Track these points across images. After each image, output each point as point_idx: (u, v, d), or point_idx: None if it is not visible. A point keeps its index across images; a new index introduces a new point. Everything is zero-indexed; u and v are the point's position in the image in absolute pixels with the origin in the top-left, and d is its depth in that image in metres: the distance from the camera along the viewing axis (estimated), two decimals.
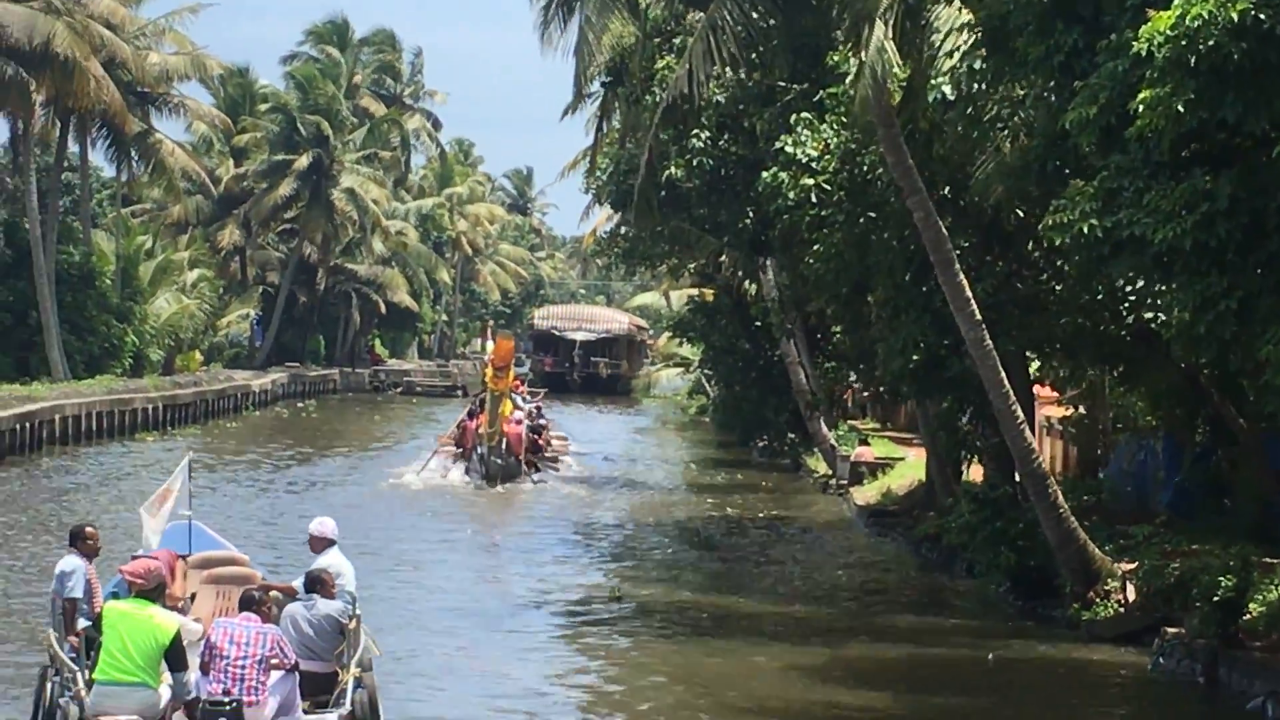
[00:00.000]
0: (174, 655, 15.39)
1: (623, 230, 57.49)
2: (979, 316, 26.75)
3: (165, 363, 76.08)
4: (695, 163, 37.23)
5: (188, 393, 68.96)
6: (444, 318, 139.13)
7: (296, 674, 16.10)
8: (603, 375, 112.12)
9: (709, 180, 37.69)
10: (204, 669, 15.67)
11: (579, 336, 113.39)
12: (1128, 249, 19.57)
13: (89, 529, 17.75)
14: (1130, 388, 34.43)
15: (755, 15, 28.04)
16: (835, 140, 30.83)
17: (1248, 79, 18.31)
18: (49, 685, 16.41)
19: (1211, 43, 17.89)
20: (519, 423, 49.10)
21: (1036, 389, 35.22)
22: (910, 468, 44.41)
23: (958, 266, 26.89)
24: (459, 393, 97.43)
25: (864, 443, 48.93)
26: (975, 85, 24.20)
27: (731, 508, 44.20)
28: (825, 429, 50.97)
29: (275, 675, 15.83)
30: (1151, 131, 18.48)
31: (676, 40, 36.96)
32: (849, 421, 59.47)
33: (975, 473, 35.84)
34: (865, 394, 65.55)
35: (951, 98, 25.40)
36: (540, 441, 52.16)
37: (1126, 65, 19.08)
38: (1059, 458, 39.79)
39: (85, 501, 39.65)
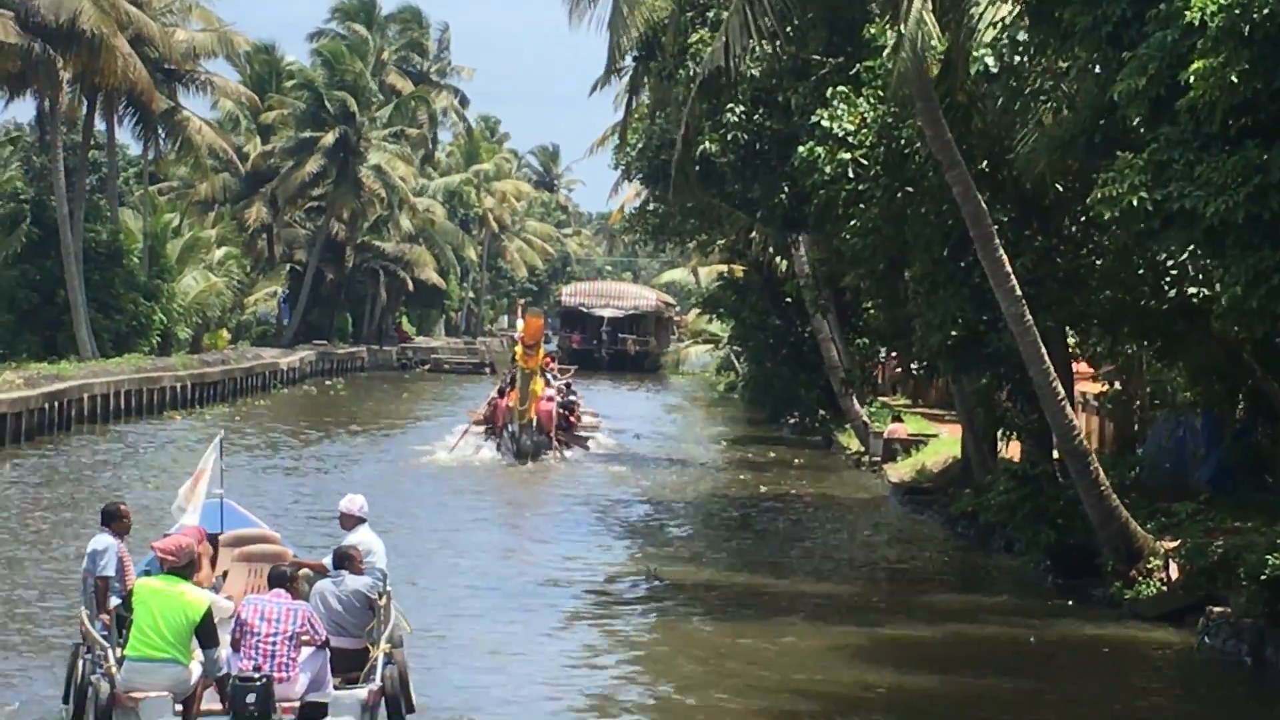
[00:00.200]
0: (205, 632, 15.51)
1: (651, 206, 57.17)
2: (1019, 292, 26.40)
3: (193, 341, 76.00)
4: (730, 137, 36.86)
5: (216, 371, 68.86)
6: (471, 295, 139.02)
7: (327, 650, 16.23)
8: (631, 352, 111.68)
9: (743, 155, 37.31)
10: (235, 646, 15.84)
11: (607, 313, 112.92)
12: (1178, 222, 19.23)
13: (121, 507, 17.82)
14: (1169, 363, 34.03)
15: None
16: (872, 114, 30.45)
17: None
18: (81, 662, 16.50)
19: (1266, 11, 17.53)
20: (550, 400, 48.89)
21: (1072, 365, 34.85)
22: (944, 444, 44.05)
23: (997, 241, 26.52)
24: (486, 370, 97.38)
25: (897, 419, 48.56)
26: (1018, 57, 23.83)
27: (763, 484, 43.90)
28: (857, 405, 50.65)
29: (306, 652, 15.98)
30: (1203, 103, 18.12)
31: (710, 14, 36.63)
32: (880, 398, 59.14)
33: (1010, 450, 35.50)
34: (896, 370, 65.23)
35: (995, 70, 25.03)
36: (571, 419, 51.94)
37: (1177, 35, 18.73)
38: (1094, 434, 39.37)
39: (114, 480, 39.55)
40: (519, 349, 47.32)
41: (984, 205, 26.68)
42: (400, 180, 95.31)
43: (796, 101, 34.72)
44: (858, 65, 31.65)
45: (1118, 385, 38.02)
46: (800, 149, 31.30)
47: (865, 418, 49.95)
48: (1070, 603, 26.89)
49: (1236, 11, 17.66)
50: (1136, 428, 37.97)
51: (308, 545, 24.69)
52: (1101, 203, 20.19)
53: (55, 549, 29.43)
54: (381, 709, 16.49)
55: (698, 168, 35.67)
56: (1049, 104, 24.25)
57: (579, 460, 48.65)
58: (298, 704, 15.84)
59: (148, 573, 16.70)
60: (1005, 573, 30.28)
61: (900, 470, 43.45)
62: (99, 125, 70.74)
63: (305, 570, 17.88)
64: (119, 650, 15.79)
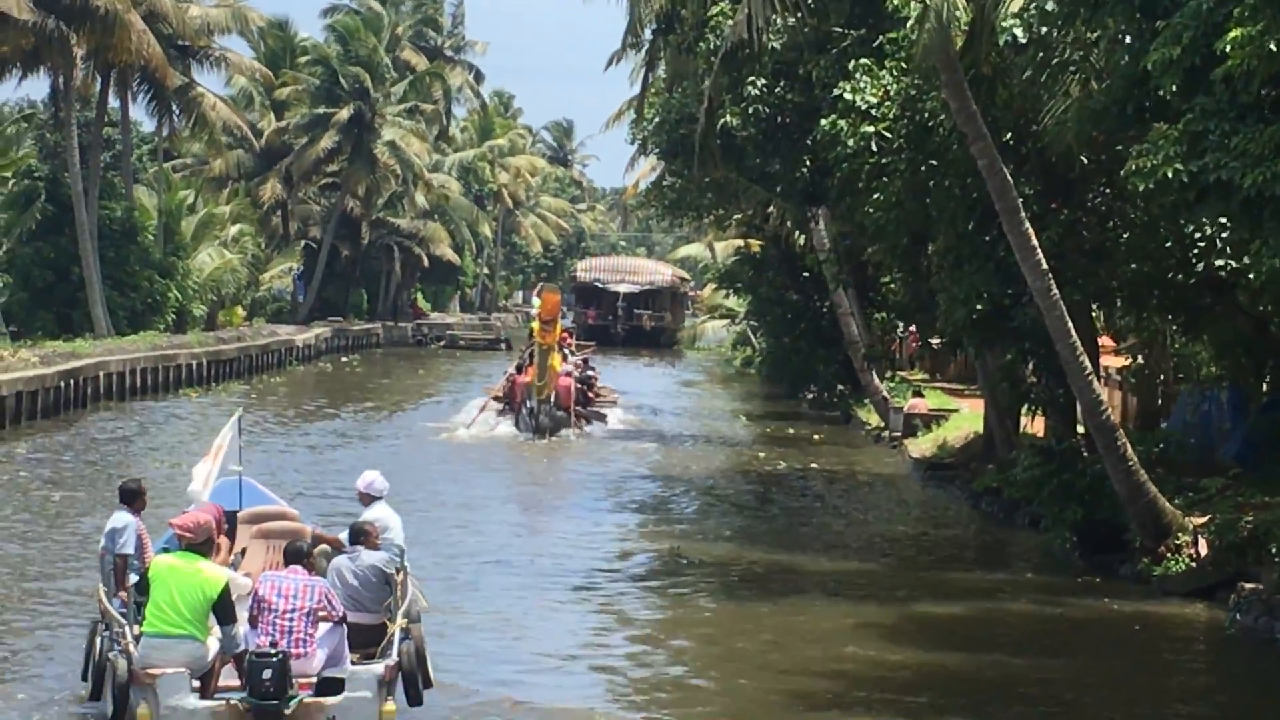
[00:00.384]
0: (222, 608, 15.55)
1: (667, 181, 56.84)
2: (1045, 266, 26.11)
3: (208, 318, 75.87)
4: (751, 111, 36.55)
5: (231, 348, 68.73)
6: (486, 271, 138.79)
7: (344, 626, 16.19)
8: (646, 328, 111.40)
9: (765, 129, 36.99)
10: (252, 622, 15.82)
11: (622, 289, 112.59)
12: (1214, 194, 18.92)
13: (139, 485, 17.88)
14: (1193, 337, 33.74)
15: None
16: (895, 86, 30.12)
17: None
18: (99, 640, 16.58)
19: None
20: (568, 375, 48.71)
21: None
22: (965, 419, 43.79)
23: (1023, 214, 26.23)
24: (502, 346, 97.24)
25: (918, 394, 48.31)
26: (1046, 28, 23.50)
27: (784, 460, 43.66)
28: (877, 380, 50.38)
29: (323, 627, 15.95)
30: (1240, 72, 17.80)
31: None
32: (898, 373, 58.90)
33: (1033, 425, 35.26)
34: (914, 345, 64.94)
35: (1023, 40, 24.70)
36: (590, 393, 51.75)
37: (1212, 3, 18.40)
38: (1117, 409, 39.01)
39: (131, 458, 39.36)
40: (536, 325, 47.14)
41: (1009, 178, 26.39)
42: (415, 156, 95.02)
43: (818, 74, 34.41)
44: (880, 37, 31.34)
45: (1140, 359, 37.74)
46: (823, 122, 31.00)
47: (885, 393, 49.67)
48: (1098, 579, 26.62)
49: None
50: (1160, 402, 37.69)
51: (326, 522, 24.43)
52: (1136, 174, 19.87)
53: (72, 527, 29.24)
54: (399, 684, 16.38)
55: (718, 141, 35.37)
56: (1078, 75, 23.90)
57: (597, 436, 48.47)
58: (315, 679, 15.84)
59: (166, 550, 16.68)
60: (1031, 549, 30.03)
61: (921, 445, 43.19)
62: (113, 102, 70.55)
63: (323, 546, 17.91)
64: (136, 627, 15.84)
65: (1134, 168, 19.99)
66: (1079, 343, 26.54)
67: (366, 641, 16.79)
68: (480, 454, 43.22)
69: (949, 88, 26.46)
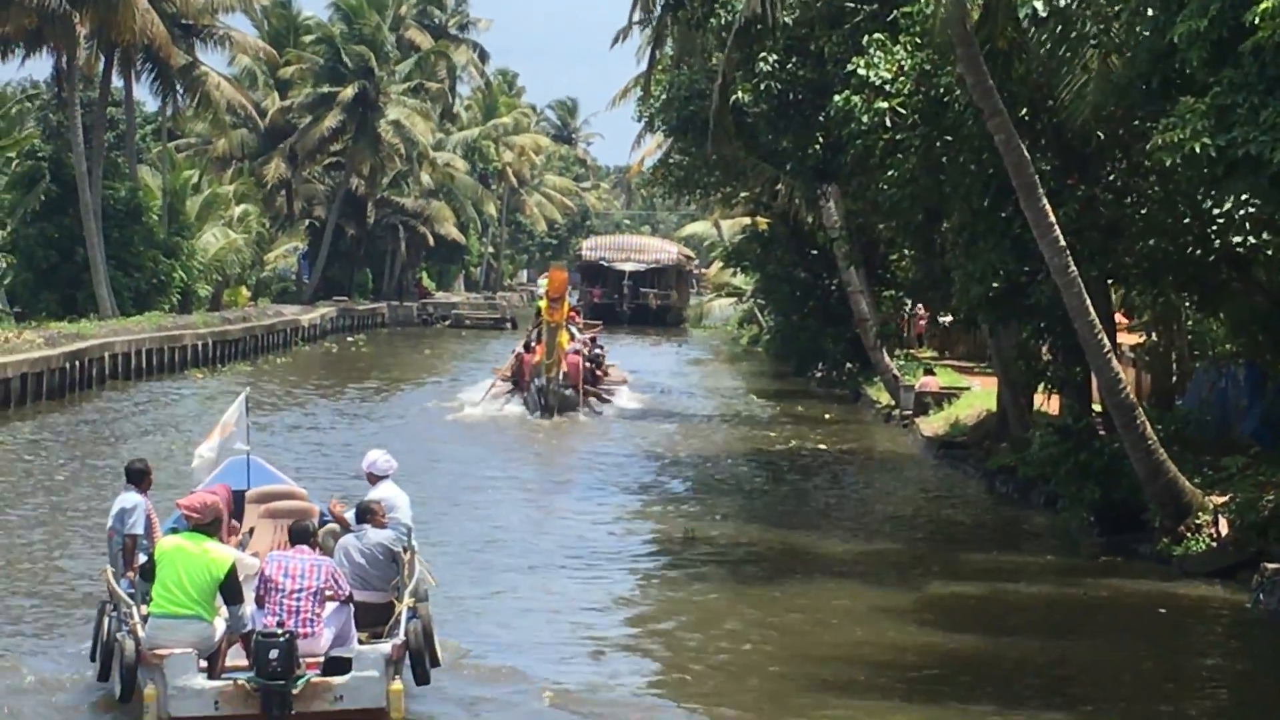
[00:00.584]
0: (229, 588, 15.60)
1: (674, 158, 56.57)
2: (1063, 242, 25.78)
3: (213, 299, 75.66)
4: (763, 87, 36.20)
5: (237, 328, 68.55)
6: (490, 250, 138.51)
7: (351, 605, 16.19)
8: (652, 306, 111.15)
9: (776, 105, 36.67)
10: (259, 602, 15.87)
11: (628, 267, 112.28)
12: (1242, 169, 18.58)
13: (146, 464, 17.87)
14: (1209, 314, 33.42)
15: None
16: (909, 62, 29.73)
17: None
18: (107, 620, 16.68)
19: None
20: (576, 353, 48.47)
21: None
22: (977, 398, 43.45)
23: (1041, 191, 25.89)
24: (507, 325, 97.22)
25: (929, 372, 47.96)
26: (1065, 1, 23.16)
27: (795, 439, 43.40)
28: (888, 359, 50.11)
29: (330, 607, 15.94)
30: (1270, 44, 17.47)
31: None
32: (907, 351, 58.64)
33: (1048, 404, 34.94)
34: (922, 322, 64.71)
35: (1044, 13, 24.35)
36: (599, 373, 51.49)
37: None
38: (1132, 386, 38.65)
39: (137, 439, 39.11)
40: (544, 303, 46.90)
41: (1026, 154, 26.05)
42: (420, 135, 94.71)
43: (830, 50, 34.09)
44: (894, 11, 30.97)
45: (1154, 336, 37.43)
46: (836, 98, 30.63)
47: (895, 371, 49.38)
48: (1117, 559, 26.32)
49: None
50: (1175, 379, 37.39)
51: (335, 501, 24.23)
52: (1162, 149, 19.53)
53: (78, 508, 29.09)
54: (406, 663, 16.35)
55: (729, 117, 35.04)
56: (1098, 48, 23.55)
57: (607, 415, 48.22)
58: (322, 659, 15.85)
59: (174, 530, 16.62)
60: (1047, 529, 29.70)
61: (933, 424, 42.85)
62: (116, 82, 70.23)
63: (331, 525, 17.97)
64: (144, 608, 15.88)
65: (1160, 142, 19.65)
66: (1097, 320, 26.22)
67: (374, 620, 16.75)
68: (488, 433, 42.99)
69: (965, 62, 26.10)
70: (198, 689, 15.34)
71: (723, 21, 34.41)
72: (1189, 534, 25.55)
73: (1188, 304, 33.28)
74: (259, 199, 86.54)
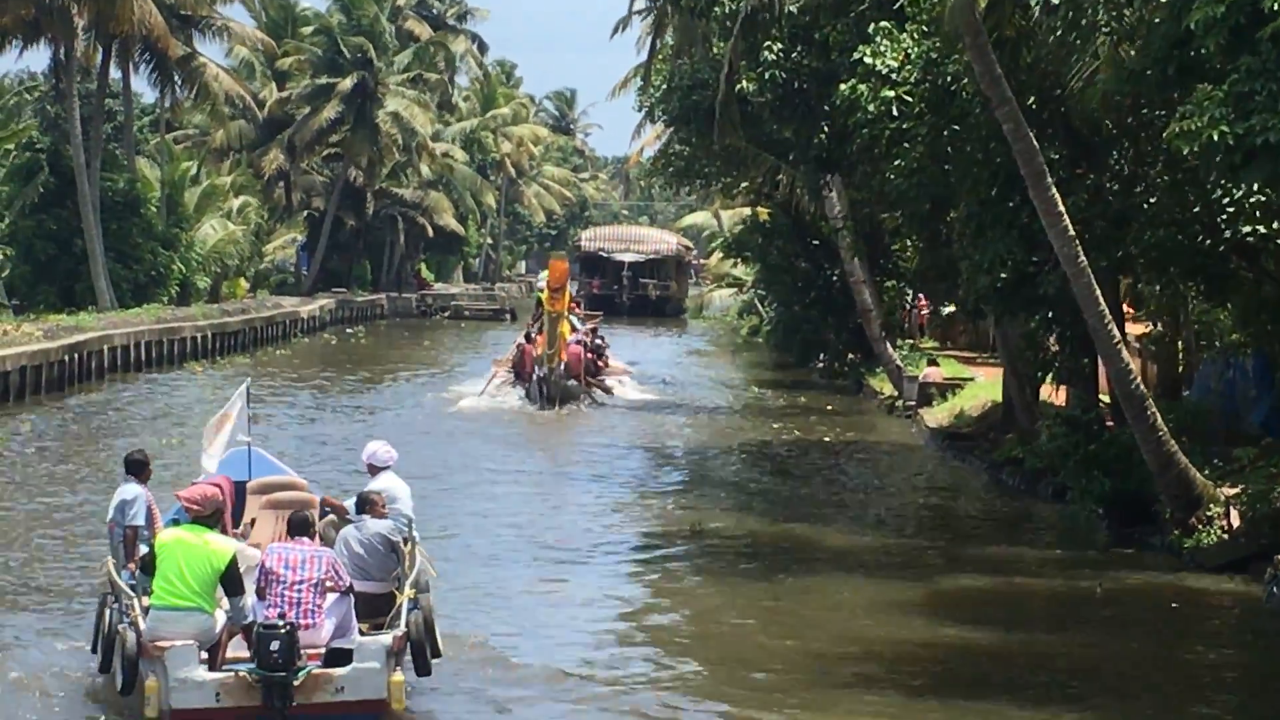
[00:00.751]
0: (230, 580, 15.61)
1: (674, 148, 56.28)
2: (1072, 232, 25.54)
3: (211, 290, 75.43)
4: (768, 76, 35.95)
5: (236, 321, 68.29)
6: (489, 241, 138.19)
7: (352, 596, 16.15)
8: (652, 297, 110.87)
9: (781, 94, 36.42)
10: (260, 594, 15.85)
11: (627, 258, 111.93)
12: (1261, 157, 18.32)
13: (145, 455, 17.84)
14: (1216, 303, 33.17)
15: None
16: (916, 50, 29.51)
17: None
18: (108, 612, 16.67)
19: None
20: (578, 344, 48.26)
21: None
22: (981, 388, 43.22)
23: (1050, 180, 25.64)
24: (506, 316, 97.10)
25: (932, 363, 47.72)
26: None
27: (798, 430, 43.17)
28: (891, 349, 49.88)
29: (331, 598, 15.90)
30: None
31: None
32: (909, 341, 58.44)
33: (1056, 395, 34.69)
34: (923, 313, 64.50)
35: (1055, 0, 24.10)
36: (600, 363, 51.27)
37: None
38: (1137, 376, 38.47)
39: (137, 432, 38.87)
40: (545, 293, 46.70)
41: (1035, 143, 25.80)
42: (419, 126, 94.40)
43: (835, 38, 33.85)
44: (900, 0, 30.72)
45: (1160, 326, 37.19)
46: (842, 87, 30.41)
47: (898, 361, 49.15)
48: (1128, 552, 26.10)
49: None
50: (1181, 370, 37.17)
51: (334, 494, 24.03)
52: (1180, 137, 19.26)
53: (78, 500, 28.97)
54: (407, 654, 16.29)
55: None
56: (1110, 35, 23.29)
57: (608, 407, 48.00)
58: (323, 650, 15.81)
59: (175, 522, 16.66)
60: (1056, 521, 29.49)
61: (937, 415, 42.63)
62: (114, 73, 69.94)
63: (331, 517, 18.07)
64: (145, 599, 15.90)
65: (1178, 130, 19.37)
66: (1107, 311, 25.99)
67: (374, 611, 16.75)
68: (490, 425, 42.77)
69: (974, 50, 25.84)
70: (199, 681, 15.32)
71: (727, 10, 34.16)
72: (1200, 526, 25.33)
73: (1194, 294, 33.02)
74: (257, 190, 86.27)
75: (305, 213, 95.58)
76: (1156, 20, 21.07)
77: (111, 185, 66.08)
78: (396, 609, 16.63)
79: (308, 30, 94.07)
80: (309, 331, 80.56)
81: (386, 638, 15.98)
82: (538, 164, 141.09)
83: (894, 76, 29.58)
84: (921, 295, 60.82)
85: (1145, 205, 28.04)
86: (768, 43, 35.32)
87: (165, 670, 15.30)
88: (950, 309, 56.42)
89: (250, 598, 15.87)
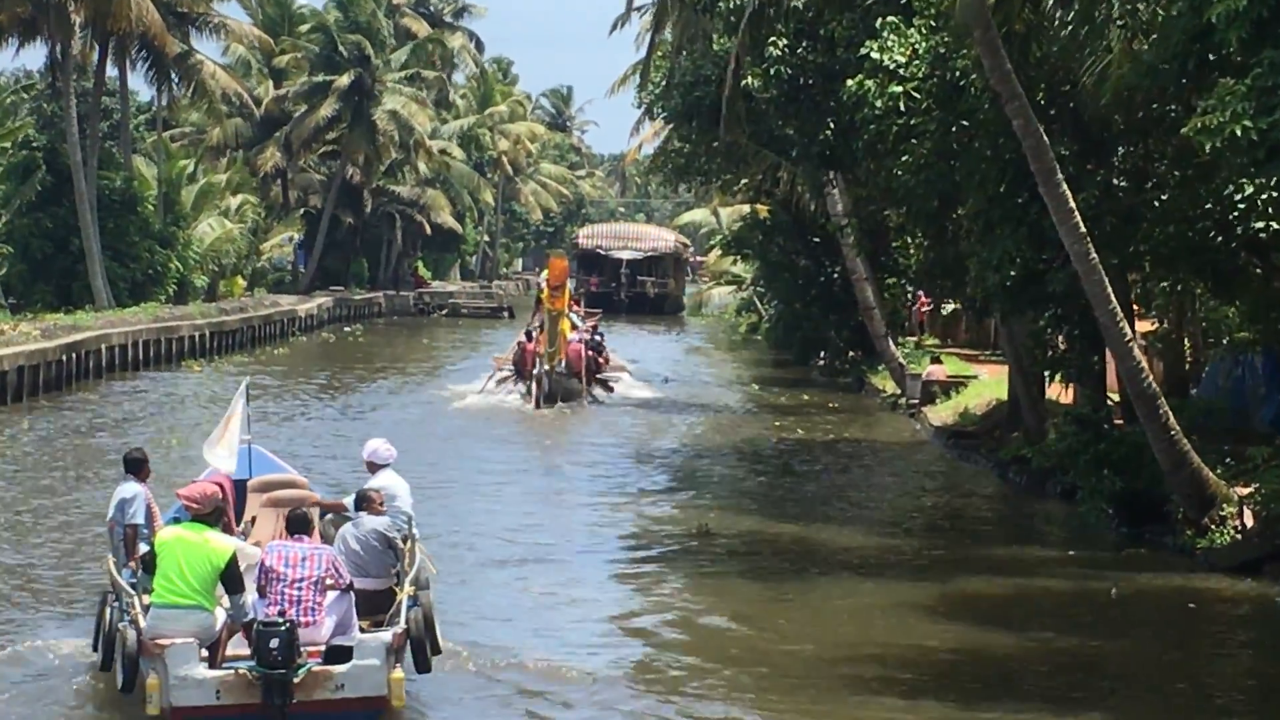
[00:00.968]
0: (230, 578, 15.64)
1: (675, 145, 56.02)
2: (1083, 229, 25.24)
3: (209, 289, 75.15)
4: (773, 72, 35.66)
5: (234, 319, 68.05)
6: (486, 239, 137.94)
7: (351, 594, 16.22)
8: (650, 294, 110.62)
9: (786, 90, 36.13)
10: (260, 592, 15.91)
11: (625, 255, 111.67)
12: None
13: (144, 454, 17.88)
14: (1224, 301, 32.92)
15: None
16: (924, 45, 29.20)
17: None
18: (108, 610, 16.72)
19: None
20: (579, 342, 48.04)
21: None
22: (985, 386, 42.93)
23: (1060, 176, 25.34)
24: (504, 314, 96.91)
25: (936, 361, 47.43)
26: None
27: (801, 429, 42.89)
28: (893, 347, 49.63)
29: (331, 595, 15.96)
30: None
31: None
32: (910, 338, 58.22)
33: (1066, 394, 34.42)
34: (924, 310, 64.26)
35: None
36: (601, 361, 51.02)
37: None
38: (1149, 375, 38.17)
39: (136, 431, 38.64)
40: (545, 292, 46.50)
41: (1045, 139, 25.50)
42: (416, 124, 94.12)
43: (841, 33, 33.56)
44: None
45: (1166, 324, 36.94)
46: (849, 83, 30.09)
47: (901, 359, 48.88)
48: (1140, 552, 25.80)
49: None
50: (1188, 367, 36.92)
51: (334, 492, 23.85)
52: (1201, 133, 18.99)
53: (77, 499, 28.80)
54: (407, 651, 16.25)
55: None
56: (1124, 29, 22.99)
57: (609, 405, 47.77)
58: (323, 647, 15.83)
59: (175, 520, 16.67)
60: (1065, 521, 29.19)
61: (941, 413, 42.35)
62: (111, 71, 69.67)
63: (331, 515, 18.23)
64: (145, 598, 15.96)
65: (1199, 125, 19.09)
66: (1119, 308, 25.71)
67: (374, 608, 16.85)
68: (490, 423, 42.56)
69: (983, 45, 25.51)
70: (199, 678, 15.32)
71: (731, 5, 33.86)
72: (1213, 526, 25.08)
73: (1202, 290, 32.76)
74: (254, 188, 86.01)
75: (302, 211, 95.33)
76: (1175, 13, 20.76)
77: (108, 183, 65.80)
78: (396, 606, 16.66)
79: (305, 27, 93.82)
80: (307, 330, 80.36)
81: (386, 635, 15.99)
82: (535, 161, 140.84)
83: (901, 72, 29.22)
84: (921, 293, 60.60)
85: (1155, 202, 27.76)
86: (773, 38, 35.02)
87: (166, 668, 15.31)
88: (953, 306, 56.21)
89: (250, 595, 15.90)
